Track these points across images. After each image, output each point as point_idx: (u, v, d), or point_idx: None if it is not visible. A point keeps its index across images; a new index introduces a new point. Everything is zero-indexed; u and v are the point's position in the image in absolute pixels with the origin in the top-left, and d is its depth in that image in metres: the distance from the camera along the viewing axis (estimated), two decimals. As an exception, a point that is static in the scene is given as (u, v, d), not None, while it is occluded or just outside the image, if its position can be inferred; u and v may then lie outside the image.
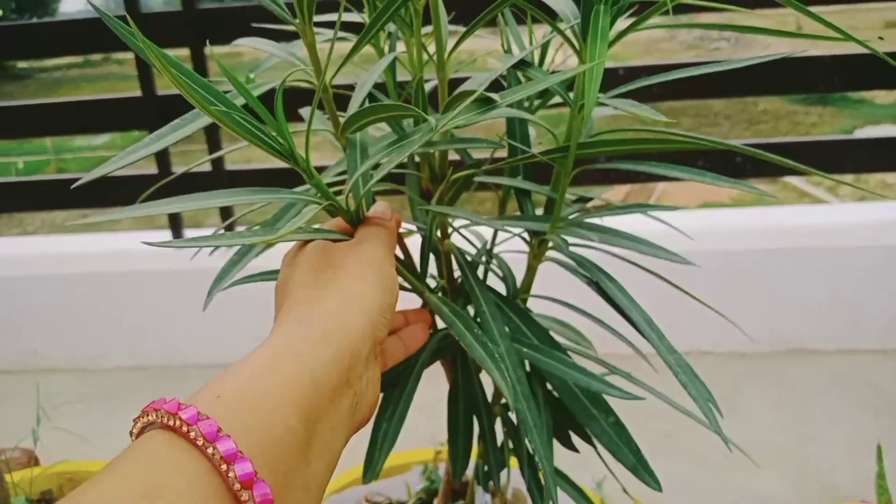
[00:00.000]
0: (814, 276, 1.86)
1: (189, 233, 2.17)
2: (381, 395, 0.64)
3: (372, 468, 0.62)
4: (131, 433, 0.33)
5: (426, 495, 1.01)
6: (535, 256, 0.61)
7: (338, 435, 0.38)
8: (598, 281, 0.59)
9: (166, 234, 2.15)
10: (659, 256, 0.57)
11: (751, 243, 1.89)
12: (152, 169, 2.05)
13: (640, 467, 0.57)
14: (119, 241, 2.24)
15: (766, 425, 1.62)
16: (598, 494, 0.92)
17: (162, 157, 2.03)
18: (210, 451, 0.30)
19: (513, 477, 1.01)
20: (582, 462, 0.74)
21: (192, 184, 2.09)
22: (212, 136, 1.96)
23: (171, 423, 0.31)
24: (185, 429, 0.30)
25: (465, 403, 0.62)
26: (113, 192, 2.09)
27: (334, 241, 0.48)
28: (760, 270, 1.86)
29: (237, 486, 0.30)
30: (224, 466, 0.30)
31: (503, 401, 0.70)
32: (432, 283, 0.62)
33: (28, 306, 2.09)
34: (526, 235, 0.62)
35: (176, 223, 2.12)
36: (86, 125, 2.04)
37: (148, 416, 0.32)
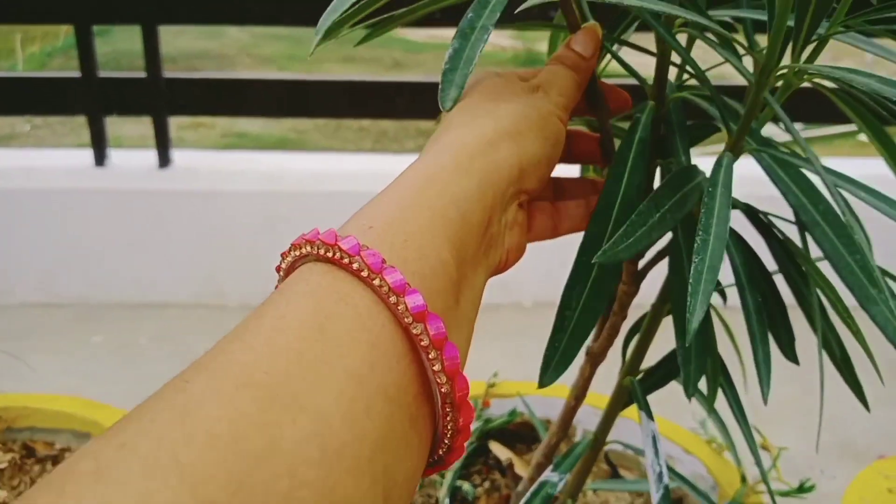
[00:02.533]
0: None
1: (115, 153, 1.88)
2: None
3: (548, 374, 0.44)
4: (278, 269, 0.31)
5: (478, 439, 0.83)
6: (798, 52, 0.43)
7: (479, 274, 0.35)
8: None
9: (87, 155, 1.85)
10: None
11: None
12: (74, 73, 1.75)
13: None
14: (30, 156, 1.92)
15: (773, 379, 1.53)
16: (704, 433, 0.77)
17: (86, 60, 1.73)
18: (377, 282, 0.28)
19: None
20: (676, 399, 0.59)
21: (123, 90, 1.81)
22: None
23: (329, 254, 0.28)
24: (346, 260, 0.28)
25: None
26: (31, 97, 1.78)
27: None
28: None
29: (408, 318, 0.27)
30: (393, 298, 0.28)
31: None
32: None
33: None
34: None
35: (99, 141, 1.83)
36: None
37: (300, 248, 0.29)
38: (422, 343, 0.27)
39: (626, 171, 0.45)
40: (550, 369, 0.43)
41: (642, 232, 0.39)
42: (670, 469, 0.66)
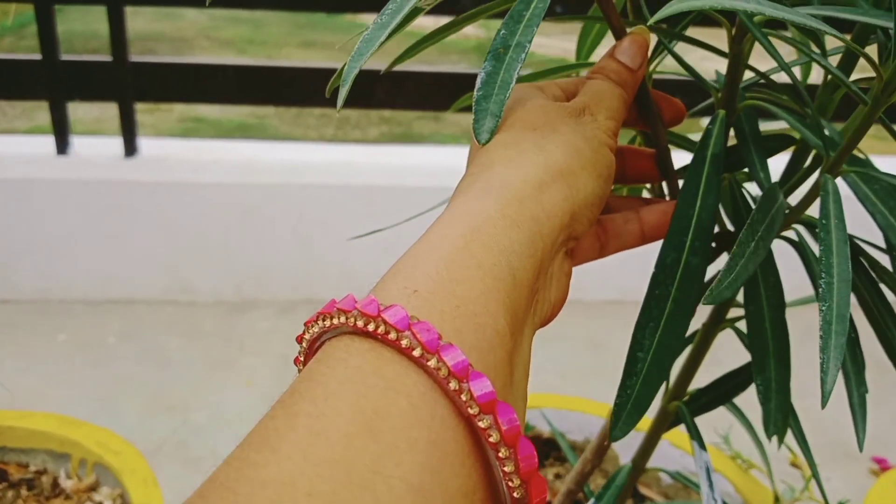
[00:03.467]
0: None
1: (77, 140, 1.78)
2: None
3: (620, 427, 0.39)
4: (300, 340, 0.26)
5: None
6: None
7: (527, 337, 0.30)
8: None
9: (49, 141, 1.75)
10: None
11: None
12: (35, 55, 1.65)
13: None
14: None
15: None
16: (727, 449, 0.74)
17: (47, 41, 1.63)
18: (432, 363, 0.23)
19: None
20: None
21: (87, 74, 1.72)
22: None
23: (370, 327, 0.23)
24: (392, 335, 0.23)
25: (770, 296, 0.41)
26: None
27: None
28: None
29: (473, 409, 0.23)
30: (454, 384, 0.23)
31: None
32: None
33: None
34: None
35: (61, 128, 1.73)
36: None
37: (330, 318, 0.25)
38: (490, 439, 0.23)
39: (699, 191, 0.40)
40: (622, 421, 0.38)
41: (742, 265, 0.35)
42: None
